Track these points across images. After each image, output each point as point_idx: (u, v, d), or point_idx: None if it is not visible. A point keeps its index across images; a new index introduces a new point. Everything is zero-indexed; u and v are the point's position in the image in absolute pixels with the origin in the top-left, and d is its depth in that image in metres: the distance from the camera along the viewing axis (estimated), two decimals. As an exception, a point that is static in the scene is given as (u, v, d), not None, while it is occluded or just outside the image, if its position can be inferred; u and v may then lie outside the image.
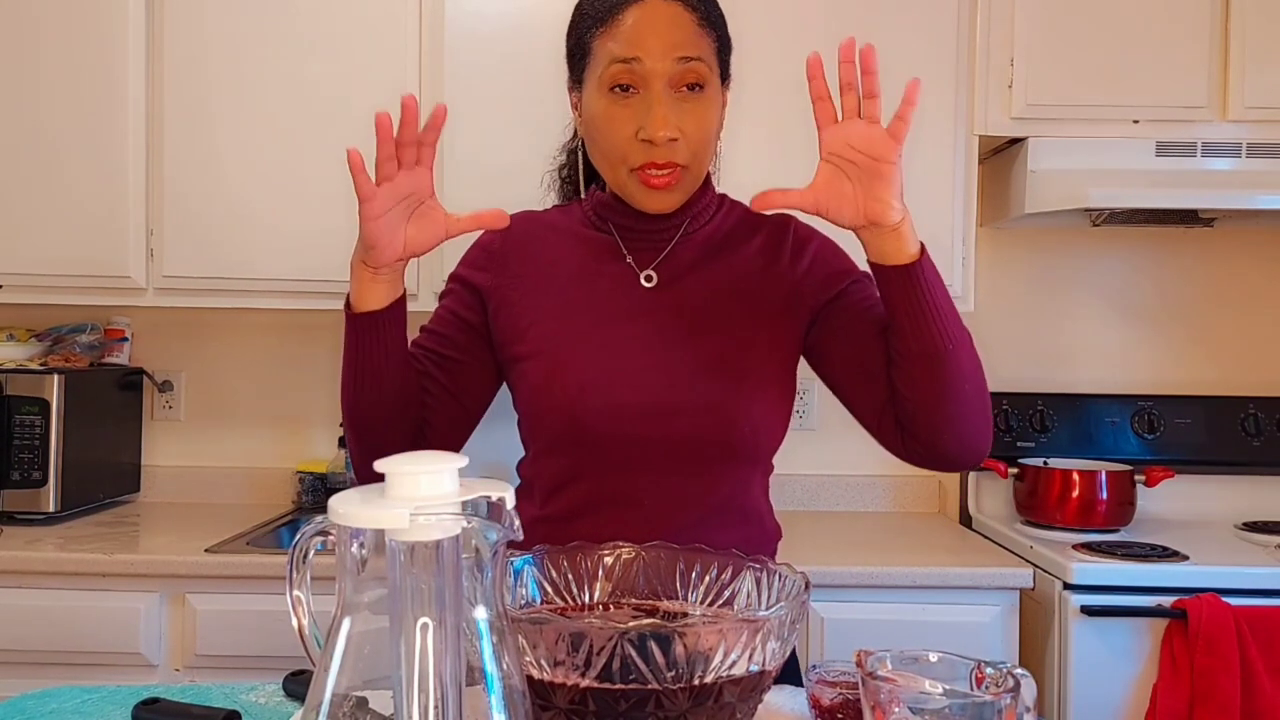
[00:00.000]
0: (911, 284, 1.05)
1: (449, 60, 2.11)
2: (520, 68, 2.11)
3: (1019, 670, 0.75)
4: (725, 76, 1.18)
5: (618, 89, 1.11)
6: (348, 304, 1.11)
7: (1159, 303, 2.47)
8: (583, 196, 1.26)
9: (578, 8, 1.17)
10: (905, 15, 2.11)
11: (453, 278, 1.26)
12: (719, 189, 1.28)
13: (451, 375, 1.20)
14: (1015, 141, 2.19)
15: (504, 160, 2.11)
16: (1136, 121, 2.12)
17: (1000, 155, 2.30)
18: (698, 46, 1.10)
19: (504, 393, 1.26)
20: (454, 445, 1.21)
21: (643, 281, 1.19)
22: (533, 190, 2.10)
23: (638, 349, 1.15)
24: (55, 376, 2.12)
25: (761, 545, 1.21)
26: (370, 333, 1.09)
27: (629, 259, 1.20)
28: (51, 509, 2.10)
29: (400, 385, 1.13)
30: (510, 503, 0.66)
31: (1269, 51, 2.09)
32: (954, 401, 1.10)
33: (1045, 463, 2.22)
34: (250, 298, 2.15)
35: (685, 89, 1.10)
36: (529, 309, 1.19)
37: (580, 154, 1.25)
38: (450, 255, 2.10)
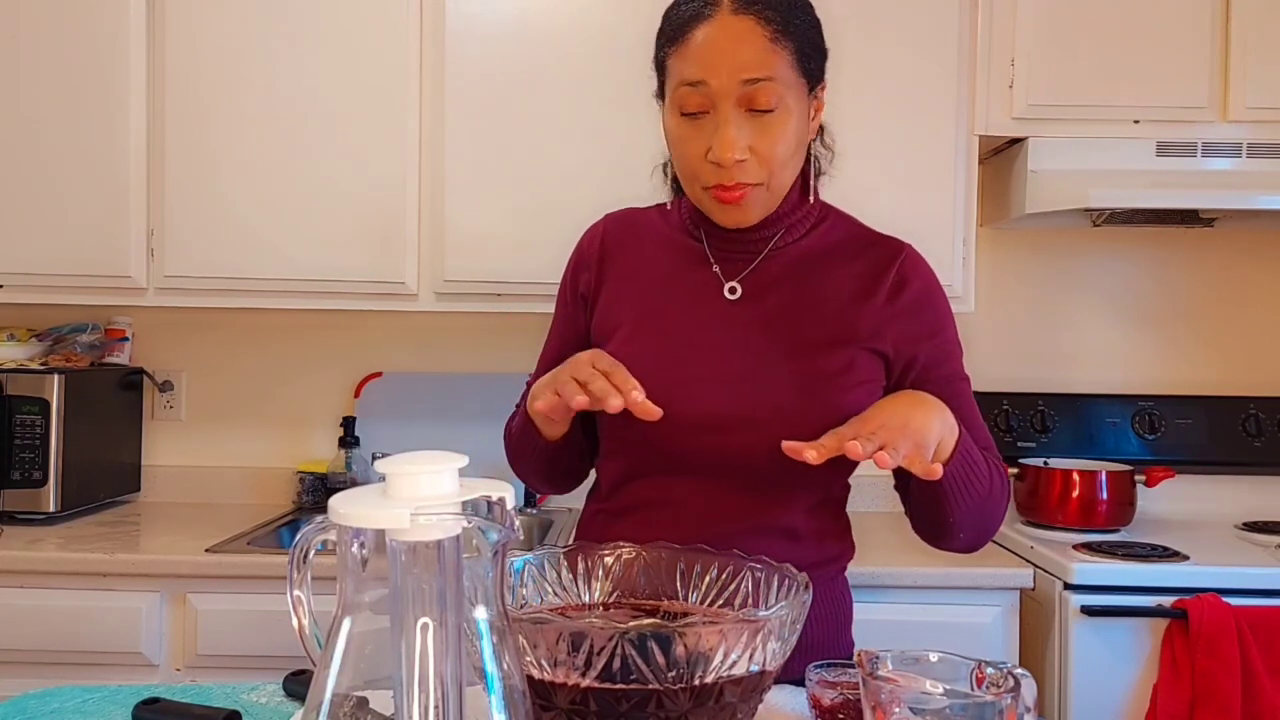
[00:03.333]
0: (931, 488, 1.08)
1: (449, 61, 2.11)
2: (520, 69, 2.10)
3: (1019, 670, 0.75)
4: (815, 82, 1.13)
5: (688, 114, 1.10)
6: (526, 397, 1.21)
7: (1159, 303, 2.47)
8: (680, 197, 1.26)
9: (663, 18, 1.15)
10: (906, 15, 2.11)
11: (560, 289, 1.29)
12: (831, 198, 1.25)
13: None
14: (1015, 141, 2.19)
15: (503, 161, 2.11)
16: (1137, 121, 2.11)
17: (1000, 155, 2.30)
18: (767, 65, 1.06)
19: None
20: (595, 449, 1.28)
21: (726, 293, 1.17)
22: (531, 192, 2.11)
23: (706, 361, 1.14)
24: (55, 376, 2.12)
25: (818, 565, 1.17)
26: (544, 441, 1.19)
27: (715, 268, 1.19)
28: (52, 509, 2.10)
29: (567, 459, 1.23)
30: (510, 503, 0.66)
31: (1269, 51, 2.09)
32: (943, 539, 1.18)
33: (1046, 463, 2.22)
34: (250, 298, 2.15)
35: (754, 110, 1.08)
36: (616, 312, 1.20)
37: None
38: (451, 256, 2.12)
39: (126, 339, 2.42)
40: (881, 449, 0.94)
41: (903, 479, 1.18)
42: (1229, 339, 2.46)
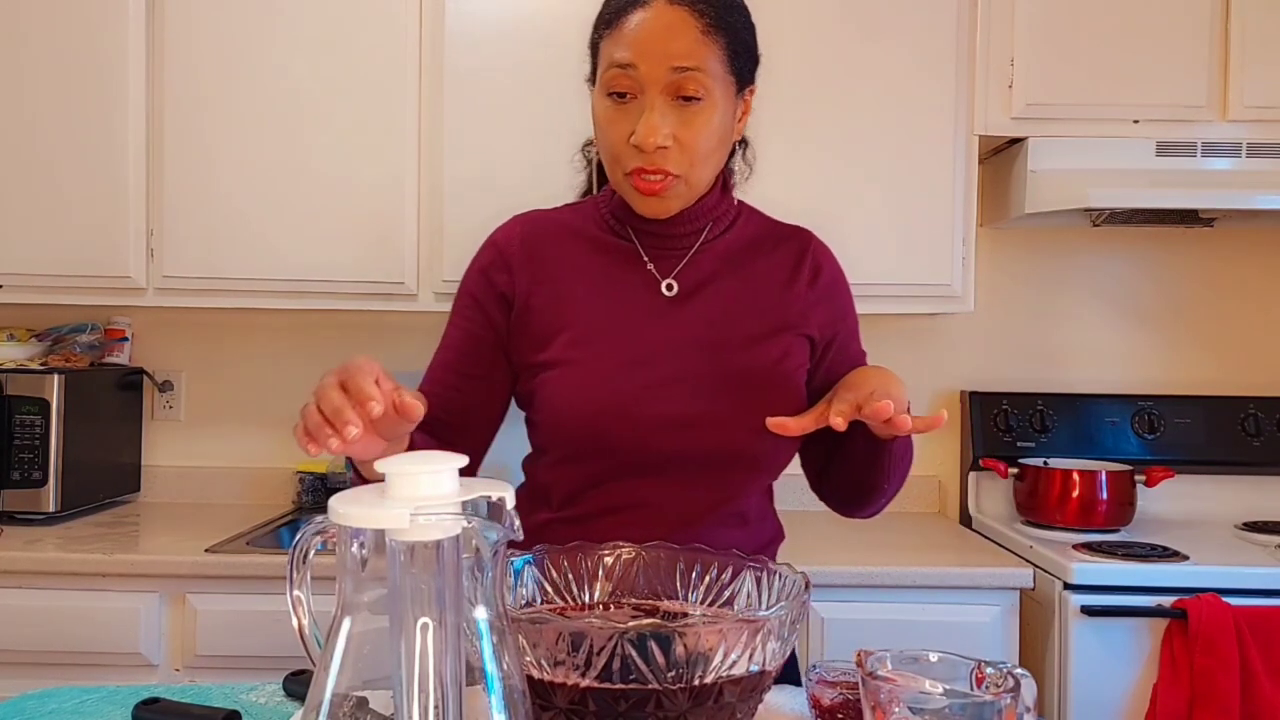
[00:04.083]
0: (876, 450, 1.14)
1: (448, 61, 2.11)
2: (520, 69, 2.10)
3: (1019, 670, 0.75)
4: (744, 83, 1.15)
5: (615, 94, 1.11)
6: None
7: (1159, 303, 2.47)
8: (595, 193, 1.26)
9: (602, 4, 1.16)
10: (905, 15, 2.11)
11: (467, 288, 1.23)
12: (750, 196, 1.28)
13: (478, 390, 1.21)
14: (1015, 141, 2.19)
15: (502, 161, 2.11)
16: (1136, 121, 2.11)
17: (1000, 155, 2.29)
18: (696, 55, 1.08)
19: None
20: (482, 453, 1.24)
21: (663, 290, 1.19)
22: (529, 192, 2.11)
23: (660, 360, 1.15)
24: (55, 376, 2.12)
25: (764, 546, 1.23)
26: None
27: (650, 266, 1.19)
28: (51, 509, 2.10)
29: None
30: (510, 503, 0.66)
31: (1269, 51, 2.09)
32: (866, 506, 1.24)
33: (1045, 463, 2.22)
34: (250, 298, 2.15)
35: (681, 99, 1.09)
36: (552, 317, 1.17)
37: None
38: (450, 255, 2.11)
39: (126, 339, 2.42)
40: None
41: (823, 452, 1.23)
42: (1228, 339, 2.46)
